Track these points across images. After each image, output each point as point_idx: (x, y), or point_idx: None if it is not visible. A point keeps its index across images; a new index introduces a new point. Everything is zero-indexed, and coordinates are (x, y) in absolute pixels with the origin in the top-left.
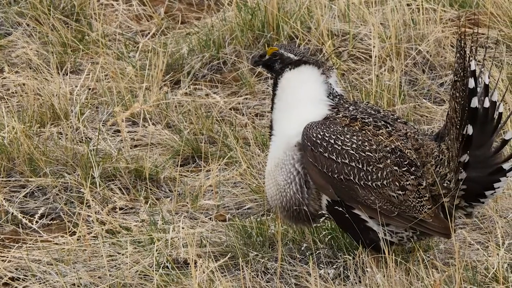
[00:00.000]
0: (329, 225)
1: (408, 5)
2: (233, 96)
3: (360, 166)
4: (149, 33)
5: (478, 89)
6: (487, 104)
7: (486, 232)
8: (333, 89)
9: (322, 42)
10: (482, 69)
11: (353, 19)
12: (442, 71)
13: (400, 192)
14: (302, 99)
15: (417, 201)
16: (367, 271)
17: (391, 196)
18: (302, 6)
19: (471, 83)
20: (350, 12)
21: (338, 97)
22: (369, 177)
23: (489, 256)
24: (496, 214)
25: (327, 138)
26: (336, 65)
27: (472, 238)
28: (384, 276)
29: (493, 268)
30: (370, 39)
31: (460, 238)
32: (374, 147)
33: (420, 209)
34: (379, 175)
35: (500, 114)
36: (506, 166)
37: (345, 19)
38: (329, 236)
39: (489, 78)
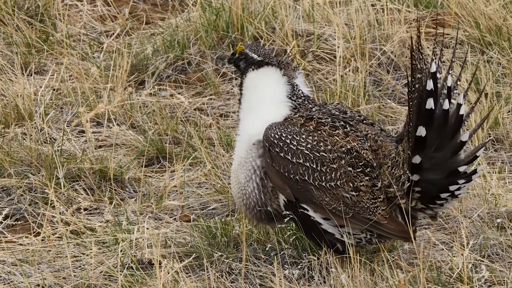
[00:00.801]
0: (294, 226)
1: (372, 5)
2: (198, 96)
3: (314, 167)
4: (113, 33)
5: (439, 91)
6: (446, 106)
7: (450, 232)
8: (299, 90)
9: (287, 43)
10: (449, 72)
11: (317, 20)
12: (406, 72)
13: (353, 193)
14: (264, 100)
15: (371, 202)
16: (331, 271)
17: (345, 197)
18: (266, 6)
19: (430, 84)
20: (314, 12)
21: (302, 98)
22: (323, 177)
23: (454, 256)
24: (460, 214)
25: (283, 138)
26: (301, 66)
27: (436, 238)
28: (348, 277)
29: (458, 268)
30: (335, 39)
31: (425, 239)
32: (329, 147)
33: (374, 211)
34: (332, 175)
35: (461, 116)
36: (461, 169)
37: (310, 19)
38: (294, 237)
39: (454, 80)
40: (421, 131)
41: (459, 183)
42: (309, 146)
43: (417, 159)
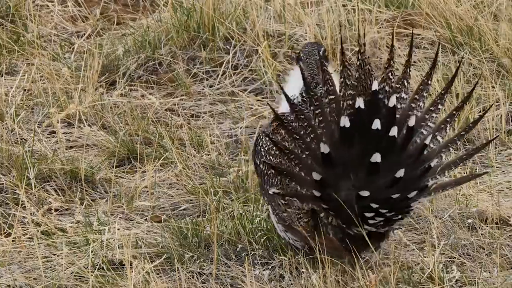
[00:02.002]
0: (265, 226)
1: (343, 6)
2: (169, 97)
3: (264, 170)
4: (84, 34)
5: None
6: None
7: (421, 233)
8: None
9: (258, 43)
10: (395, 87)
11: (288, 20)
12: (377, 72)
13: (282, 201)
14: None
15: (296, 212)
16: (302, 271)
17: (278, 203)
18: (237, 7)
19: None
20: (285, 13)
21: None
22: (268, 182)
23: (425, 257)
24: (431, 214)
25: (259, 137)
26: (272, 66)
27: (407, 239)
28: (319, 277)
29: (429, 268)
30: (306, 39)
31: (396, 239)
32: (272, 152)
33: (298, 221)
34: (272, 181)
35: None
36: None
37: (281, 20)
38: (265, 237)
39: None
40: (324, 148)
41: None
42: (266, 148)
43: (316, 176)
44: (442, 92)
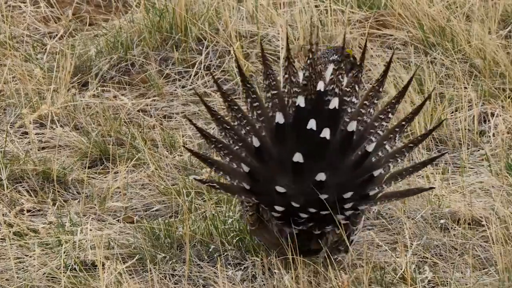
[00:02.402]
0: (237, 227)
1: (316, 6)
2: (141, 97)
3: None
4: (57, 35)
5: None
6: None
7: (394, 233)
8: None
9: (230, 44)
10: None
11: (261, 21)
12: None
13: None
14: None
15: (245, 205)
16: (275, 272)
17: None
18: (210, 7)
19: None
20: (258, 13)
21: None
22: None
23: (397, 257)
24: (404, 215)
25: None
26: (245, 67)
27: (380, 239)
28: (292, 278)
29: (401, 269)
30: (278, 40)
31: (368, 239)
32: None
33: (245, 214)
34: None
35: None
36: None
37: (253, 20)
38: (237, 238)
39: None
40: (255, 142)
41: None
42: None
43: (246, 169)
44: (393, 101)
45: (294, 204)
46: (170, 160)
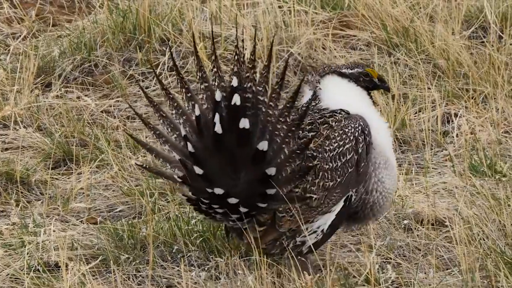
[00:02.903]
0: (201, 228)
1: (279, 7)
2: (105, 98)
3: None
4: (20, 35)
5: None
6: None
7: (358, 234)
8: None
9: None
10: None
11: (224, 21)
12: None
13: None
14: None
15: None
16: (239, 273)
17: None
18: (173, 8)
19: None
20: (221, 14)
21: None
22: None
23: (361, 258)
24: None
25: None
26: (208, 67)
27: (344, 240)
28: (255, 278)
29: (365, 269)
30: (242, 41)
31: (332, 240)
32: None
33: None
34: None
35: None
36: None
37: (217, 21)
38: (201, 239)
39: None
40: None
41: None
42: None
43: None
44: (288, 105)
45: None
46: (133, 161)
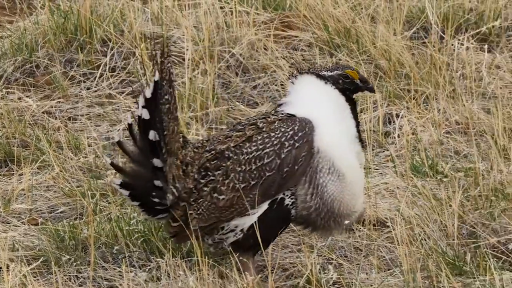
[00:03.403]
0: (142, 228)
1: (221, 8)
2: (46, 99)
3: None
4: None
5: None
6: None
7: (299, 235)
8: None
9: (135, 45)
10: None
11: (166, 22)
12: (255, 74)
13: None
14: None
15: None
16: (180, 274)
17: None
18: (115, 9)
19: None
20: (163, 15)
21: None
22: None
23: (303, 258)
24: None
25: None
26: (149, 69)
27: (286, 240)
28: (197, 279)
29: (306, 270)
30: (184, 42)
31: (274, 241)
32: None
33: None
34: None
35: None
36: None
37: (159, 22)
38: (142, 239)
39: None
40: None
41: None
42: None
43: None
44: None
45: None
46: (75, 162)
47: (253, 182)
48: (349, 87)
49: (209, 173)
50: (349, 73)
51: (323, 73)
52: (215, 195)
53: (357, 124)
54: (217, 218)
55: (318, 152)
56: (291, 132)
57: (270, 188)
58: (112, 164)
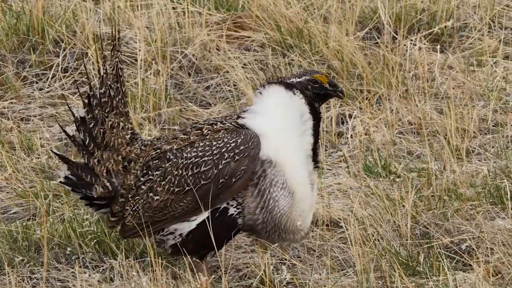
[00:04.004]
0: (95, 229)
1: (173, 8)
2: None
3: None
4: None
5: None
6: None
7: None
8: None
9: (88, 46)
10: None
11: (119, 23)
12: (208, 74)
13: None
14: None
15: None
16: (133, 274)
17: None
18: (67, 10)
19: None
20: (115, 15)
21: None
22: None
23: (256, 259)
24: None
25: None
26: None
27: (239, 241)
28: (150, 280)
29: (260, 270)
30: (136, 42)
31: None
32: None
33: None
34: None
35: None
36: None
37: (111, 22)
38: (95, 240)
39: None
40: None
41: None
42: None
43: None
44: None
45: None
46: (27, 162)
47: (187, 188)
48: (318, 92)
49: (149, 172)
50: (318, 77)
51: (291, 80)
52: (151, 194)
53: (315, 142)
54: (150, 217)
55: (274, 166)
56: (233, 144)
57: (205, 197)
58: (53, 152)
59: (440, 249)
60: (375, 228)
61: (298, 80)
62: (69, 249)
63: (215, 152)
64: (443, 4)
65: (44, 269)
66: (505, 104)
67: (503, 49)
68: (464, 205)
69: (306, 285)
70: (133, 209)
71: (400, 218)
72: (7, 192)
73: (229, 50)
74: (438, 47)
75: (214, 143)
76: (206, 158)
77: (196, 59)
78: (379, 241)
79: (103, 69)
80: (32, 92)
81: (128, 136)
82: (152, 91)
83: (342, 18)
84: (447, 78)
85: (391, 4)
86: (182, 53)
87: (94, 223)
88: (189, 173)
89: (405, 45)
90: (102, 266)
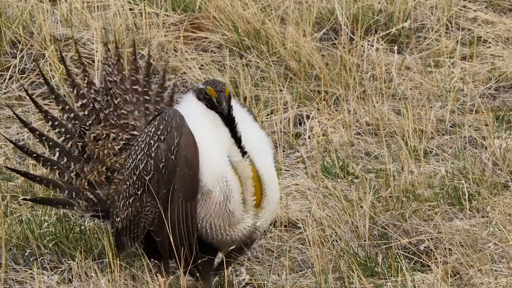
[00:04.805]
0: (53, 231)
1: (130, 9)
2: None
3: None
4: None
5: None
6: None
7: None
8: None
9: (45, 47)
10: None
11: (75, 24)
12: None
13: None
14: None
15: None
16: (91, 276)
17: None
18: (24, 11)
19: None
20: (72, 16)
21: None
22: None
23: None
24: None
25: None
26: (59, 71)
27: None
28: (108, 281)
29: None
30: (93, 43)
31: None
32: None
33: None
34: None
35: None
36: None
37: (68, 23)
38: (53, 242)
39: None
40: None
41: None
42: None
43: None
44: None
45: None
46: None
47: (141, 190)
48: (207, 103)
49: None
50: (208, 90)
51: (198, 84)
52: (122, 203)
53: (233, 130)
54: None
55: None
56: (152, 129)
57: (159, 190)
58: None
59: (399, 250)
60: (333, 229)
61: (200, 87)
62: (27, 250)
63: (142, 146)
64: (400, 5)
65: (2, 270)
66: (462, 105)
67: (460, 50)
68: (422, 206)
69: (264, 286)
70: (116, 216)
71: (358, 219)
72: None
73: (186, 51)
74: (396, 48)
75: (139, 139)
76: (139, 156)
77: (153, 60)
78: (337, 242)
79: (84, 83)
80: None
81: (119, 146)
82: None
83: (300, 19)
84: (404, 79)
85: (348, 5)
86: (139, 54)
87: (52, 225)
88: (134, 178)
89: (362, 46)
90: (61, 268)
